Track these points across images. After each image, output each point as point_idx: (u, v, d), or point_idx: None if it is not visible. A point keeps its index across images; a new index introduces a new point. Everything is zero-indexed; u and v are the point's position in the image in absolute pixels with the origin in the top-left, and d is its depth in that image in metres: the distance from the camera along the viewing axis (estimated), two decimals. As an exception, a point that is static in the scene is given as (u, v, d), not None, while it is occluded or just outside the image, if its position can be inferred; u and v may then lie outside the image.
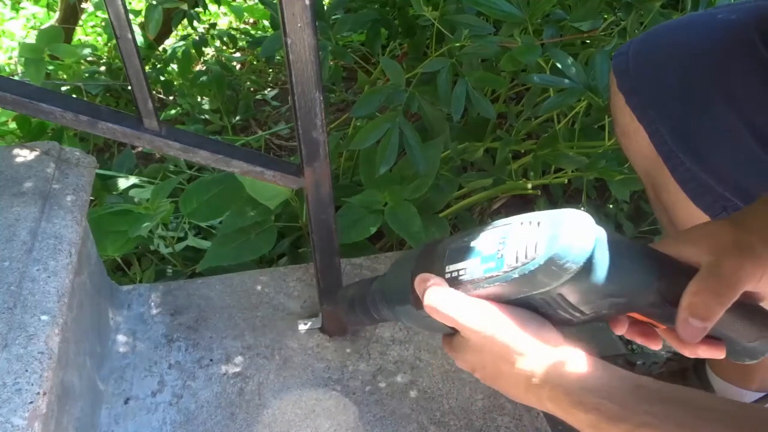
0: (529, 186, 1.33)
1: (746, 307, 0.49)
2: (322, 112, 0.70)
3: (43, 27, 2.61)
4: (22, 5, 2.97)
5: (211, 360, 0.93)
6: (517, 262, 0.48)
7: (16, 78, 2.12)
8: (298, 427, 0.85)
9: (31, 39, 2.48)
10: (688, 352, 0.50)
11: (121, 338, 0.96)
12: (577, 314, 0.49)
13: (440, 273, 0.54)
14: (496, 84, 1.15)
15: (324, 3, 1.51)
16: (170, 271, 1.34)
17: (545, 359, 0.47)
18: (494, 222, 0.53)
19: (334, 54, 1.19)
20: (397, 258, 0.64)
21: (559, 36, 1.14)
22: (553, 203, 1.50)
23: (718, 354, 0.50)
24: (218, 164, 0.76)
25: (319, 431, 0.84)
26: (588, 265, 0.46)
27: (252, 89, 2.28)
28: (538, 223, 0.49)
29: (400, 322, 0.65)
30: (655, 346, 0.53)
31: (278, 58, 2.19)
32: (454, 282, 0.52)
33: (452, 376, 0.92)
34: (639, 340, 0.53)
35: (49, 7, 2.95)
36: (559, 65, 1.01)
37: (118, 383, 0.89)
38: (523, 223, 0.50)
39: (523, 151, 1.37)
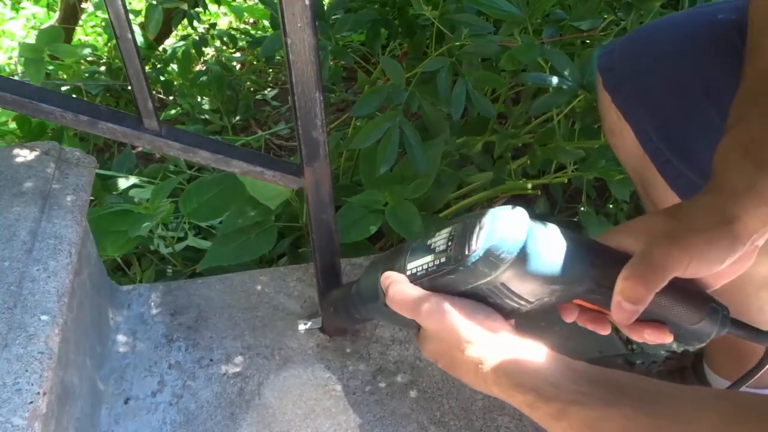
0: (529, 186, 1.33)
1: (685, 291, 0.52)
2: (322, 112, 0.70)
3: (43, 27, 2.61)
4: (22, 5, 2.97)
5: (211, 360, 0.93)
6: (461, 256, 0.53)
7: (16, 78, 2.12)
8: (298, 427, 0.85)
9: (31, 39, 2.48)
10: (636, 336, 0.54)
11: (121, 338, 0.96)
12: (523, 302, 0.54)
13: (403, 270, 0.59)
14: (496, 83, 1.15)
15: (324, 3, 1.51)
16: (170, 271, 1.34)
17: (490, 346, 0.52)
18: (450, 220, 0.58)
19: (334, 54, 1.19)
20: (373, 260, 0.69)
21: (559, 35, 1.14)
22: (553, 203, 1.50)
23: (663, 337, 0.53)
24: (218, 164, 0.76)
25: (319, 431, 0.84)
26: (522, 255, 0.50)
27: (252, 89, 2.28)
28: (480, 220, 0.54)
29: (375, 319, 0.70)
30: (604, 331, 0.57)
31: (278, 58, 2.19)
32: (414, 278, 0.57)
33: (452, 376, 0.92)
34: (589, 326, 0.57)
35: (49, 7, 2.95)
36: (554, 63, 1.02)
37: (118, 383, 0.89)
38: (469, 220, 0.55)
39: (521, 144, 1.37)
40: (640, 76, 0.76)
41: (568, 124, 1.23)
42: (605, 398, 0.46)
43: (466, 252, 0.53)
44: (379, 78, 1.50)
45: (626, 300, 0.50)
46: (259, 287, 1.04)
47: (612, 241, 0.54)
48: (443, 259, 0.55)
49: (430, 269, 0.56)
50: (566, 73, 1.01)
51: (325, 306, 0.80)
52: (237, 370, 0.91)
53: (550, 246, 0.52)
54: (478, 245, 0.52)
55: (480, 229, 0.53)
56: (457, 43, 1.08)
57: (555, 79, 1.01)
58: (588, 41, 1.25)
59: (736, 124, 0.56)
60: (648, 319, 0.53)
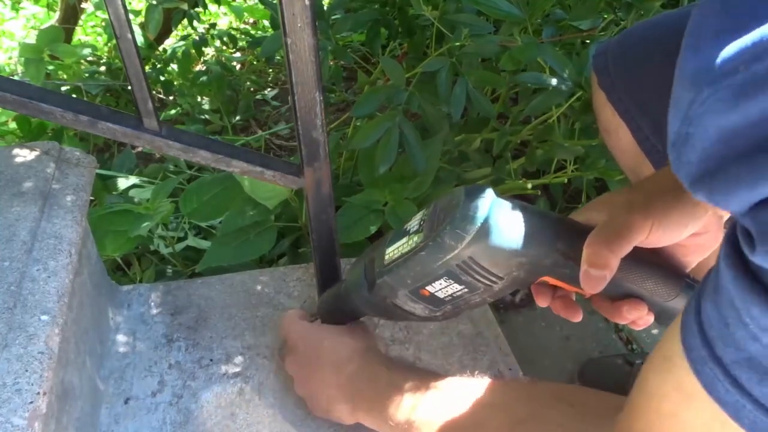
0: (529, 186, 1.33)
1: (658, 267, 0.54)
2: (322, 112, 0.70)
3: (43, 27, 2.61)
4: (22, 5, 2.97)
5: (211, 360, 0.93)
6: (431, 232, 0.56)
7: (16, 78, 2.12)
8: (299, 427, 0.85)
9: (31, 39, 2.48)
10: (617, 317, 0.55)
11: (121, 338, 0.96)
12: (493, 278, 0.56)
13: (382, 256, 0.63)
14: (496, 83, 1.15)
15: (324, 3, 1.51)
16: (170, 271, 1.34)
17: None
18: (426, 204, 0.62)
19: (334, 54, 1.19)
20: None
21: (559, 35, 1.14)
22: (553, 203, 1.50)
23: (641, 313, 0.54)
24: (218, 164, 0.76)
25: (320, 431, 0.84)
26: (485, 227, 0.53)
27: (252, 89, 2.28)
28: (448, 198, 0.57)
29: (363, 313, 0.74)
30: (575, 318, 0.58)
31: (278, 58, 2.19)
32: (390, 262, 0.61)
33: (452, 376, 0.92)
34: (563, 313, 0.59)
35: (49, 7, 2.95)
36: (548, 62, 1.02)
37: (118, 383, 0.89)
38: (439, 200, 0.59)
39: (520, 143, 1.37)
40: (634, 73, 0.76)
41: (569, 125, 1.23)
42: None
43: (435, 228, 0.56)
44: (379, 78, 1.50)
45: (591, 266, 0.50)
46: (259, 287, 1.04)
47: (580, 217, 0.56)
48: (416, 239, 0.58)
49: (404, 251, 0.59)
50: (562, 71, 1.01)
51: (318, 306, 0.83)
52: (237, 370, 0.91)
53: (513, 218, 0.54)
54: (446, 220, 0.55)
55: (447, 205, 0.56)
56: (457, 43, 1.08)
57: (553, 80, 1.01)
58: (588, 41, 1.25)
59: None
60: (624, 296, 0.54)
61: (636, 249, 0.51)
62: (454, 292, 0.59)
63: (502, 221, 0.53)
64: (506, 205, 0.55)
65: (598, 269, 0.50)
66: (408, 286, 0.61)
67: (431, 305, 0.63)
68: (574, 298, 0.59)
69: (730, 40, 0.26)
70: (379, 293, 0.64)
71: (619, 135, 0.78)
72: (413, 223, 0.61)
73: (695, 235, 0.53)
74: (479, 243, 0.53)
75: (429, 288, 0.60)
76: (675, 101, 0.31)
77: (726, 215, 0.54)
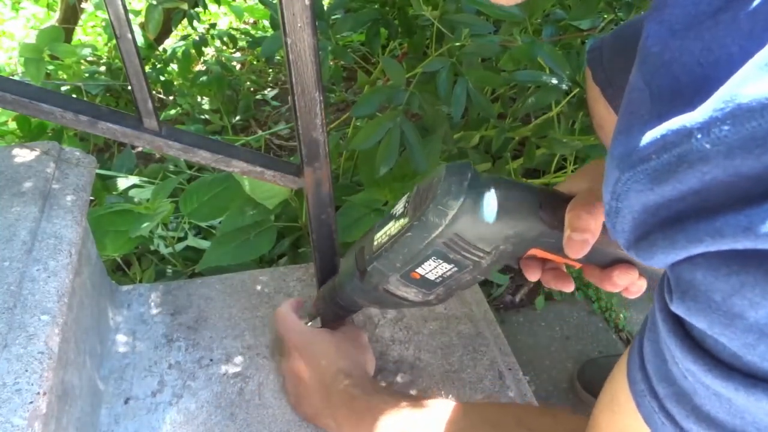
0: (529, 186, 1.32)
1: None
2: (322, 112, 0.70)
3: (43, 27, 2.61)
4: (22, 5, 2.97)
5: (211, 360, 0.93)
6: (416, 212, 0.56)
7: (16, 78, 2.12)
8: (298, 427, 0.85)
9: (31, 39, 2.48)
10: (610, 285, 0.55)
11: (121, 338, 0.96)
12: (480, 253, 0.56)
13: (371, 243, 0.63)
14: (496, 83, 1.15)
15: (324, 3, 1.51)
16: (170, 271, 1.34)
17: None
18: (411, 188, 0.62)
19: (334, 54, 1.19)
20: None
21: (559, 35, 1.14)
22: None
23: (633, 278, 0.54)
24: (218, 164, 0.76)
25: (319, 431, 0.84)
26: (468, 201, 0.53)
27: (252, 89, 2.28)
28: (431, 179, 0.57)
29: (358, 304, 0.74)
30: (568, 288, 0.59)
31: (278, 58, 2.19)
32: (379, 247, 0.62)
33: (452, 376, 0.92)
34: (553, 285, 0.59)
35: (49, 7, 2.95)
36: (545, 60, 1.02)
37: (118, 383, 0.89)
38: (422, 182, 0.59)
39: (518, 141, 1.37)
40: (628, 68, 0.76)
41: (568, 124, 1.23)
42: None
43: (419, 208, 0.56)
44: (379, 78, 1.50)
45: (573, 230, 0.51)
46: (259, 287, 1.04)
47: (563, 187, 0.56)
48: (402, 222, 0.58)
49: (391, 234, 0.60)
50: (559, 69, 1.01)
51: (315, 301, 0.84)
52: (237, 370, 0.91)
53: (495, 191, 0.54)
54: (429, 198, 0.55)
55: (429, 185, 0.57)
56: (457, 43, 1.08)
57: (552, 79, 1.01)
58: (588, 41, 1.25)
59: None
60: (614, 263, 0.54)
61: None
62: (444, 273, 0.60)
63: (485, 195, 0.54)
64: (487, 179, 0.56)
65: (580, 233, 0.50)
66: (398, 270, 0.62)
67: (423, 288, 0.63)
68: (564, 270, 0.60)
69: (650, 128, 0.29)
70: (371, 280, 0.65)
71: (613, 131, 0.78)
72: (398, 207, 0.61)
73: None
74: (463, 218, 0.53)
75: (419, 270, 0.60)
76: (606, 177, 0.33)
77: None
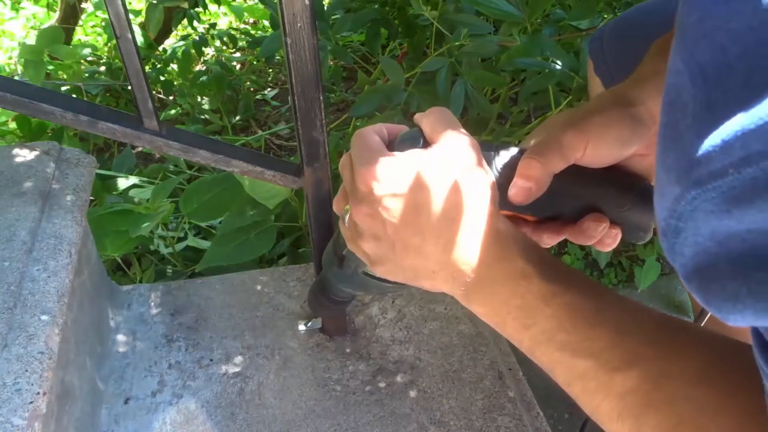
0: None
1: (608, 177, 0.52)
2: (322, 112, 0.70)
3: (43, 27, 2.61)
4: (22, 5, 2.97)
5: (211, 360, 0.93)
6: None
7: (16, 78, 2.12)
8: (298, 427, 0.85)
9: (31, 39, 2.48)
10: (584, 237, 0.52)
11: (121, 338, 0.96)
12: None
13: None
14: (496, 83, 1.15)
15: (324, 3, 1.51)
16: (170, 271, 1.34)
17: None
18: None
19: (334, 54, 1.19)
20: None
21: (558, 35, 1.14)
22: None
23: (602, 224, 0.51)
24: (218, 164, 0.77)
25: (319, 431, 0.84)
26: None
27: (252, 89, 2.28)
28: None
29: (341, 288, 0.71)
30: (545, 244, 0.54)
31: (278, 58, 2.19)
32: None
33: (452, 376, 0.92)
34: (535, 238, 0.54)
35: (49, 7, 2.95)
36: (543, 49, 1.02)
37: (118, 383, 0.89)
38: None
39: (517, 142, 1.37)
40: (631, 59, 0.76)
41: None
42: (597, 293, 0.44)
43: None
44: (379, 78, 1.50)
45: (521, 177, 0.49)
46: (259, 287, 1.04)
47: (526, 143, 0.54)
48: None
49: None
50: (559, 61, 1.01)
51: (308, 298, 0.83)
52: (237, 370, 0.91)
53: None
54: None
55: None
56: (457, 44, 1.08)
57: (549, 64, 1.01)
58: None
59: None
60: (583, 214, 0.52)
61: (581, 167, 0.50)
62: None
63: None
64: None
65: (525, 180, 0.49)
66: None
67: None
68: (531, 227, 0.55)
69: (704, 125, 0.23)
70: (350, 265, 0.64)
71: None
72: None
73: (640, 155, 0.51)
74: None
75: None
76: (660, 190, 0.27)
77: None
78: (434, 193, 0.46)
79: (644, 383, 0.39)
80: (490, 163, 0.52)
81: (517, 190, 0.50)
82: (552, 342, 0.43)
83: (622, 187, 0.52)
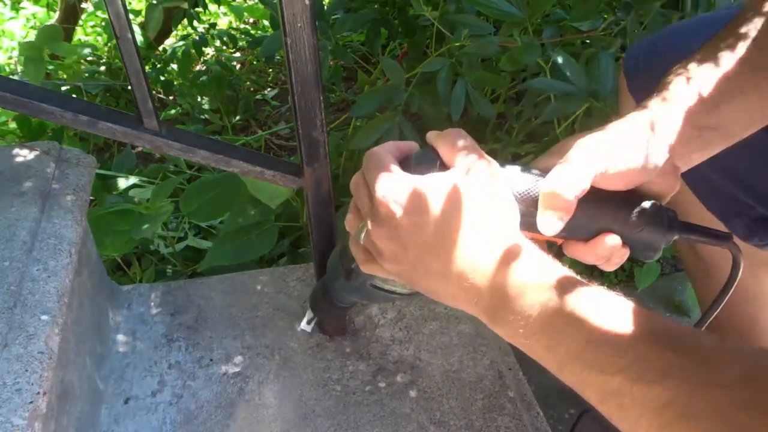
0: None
1: (622, 199, 0.52)
2: (322, 112, 0.70)
3: (42, 27, 2.61)
4: (22, 5, 2.97)
5: (211, 360, 0.93)
6: None
7: (16, 78, 2.12)
8: (298, 427, 0.85)
9: (31, 39, 2.48)
10: (593, 256, 0.51)
11: (121, 338, 0.96)
12: None
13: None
14: (496, 84, 1.15)
15: (324, 3, 1.51)
16: (170, 271, 1.34)
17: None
18: None
19: (334, 54, 1.19)
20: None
21: (559, 36, 1.14)
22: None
23: (616, 245, 0.51)
24: (218, 164, 0.77)
25: (319, 431, 0.84)
26: None
27: (252, 89, 2.28)
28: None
29: (348, 297, 0.72)
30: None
31: (278, 58, 2.19)
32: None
33: (452, 376, 0.92)
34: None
35: (49, 7, 2.95)
36: (564, 69, 1.01)
37: (118, 383, 0.89)
38: None
39: (523, 154, 1.37)
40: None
41: (570, 127, 1.23)
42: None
43: None
44: (379, 78, 1.50)
45: (548, 208, 0.49)
46: (259, 287, 1.04)
47: (539, 165, 0.54)
48: None
49: None
50: (574, 78, 1.00)
51: (310, 304, 0.83)
52: (237, 370, 0.91)
53: None
54: None
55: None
56: (457, 44, 1.08)
57: (569, 86, 1.00)
58: (588, 41, 1.25)
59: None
60: (594, 234, 0.52)
61: (598, 189, 0.50)
62: None
63: None
64: None
65: (554, 210, 0.49)
66: None
67: None
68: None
69: None
70: (358, 278, 0.64)
71: None
72: None
73: (651, 183, 0.52)
74: None
75: None
76: None
77: (684, 166, 0.53)
78: (457, 219, 0.46)
79: (682, 394, 0.38)
80: (509, 185, 0.52)
81: (546, 222, 0.49)
82: (579, 361, 0.42)
83: (637, 209, 0.52)
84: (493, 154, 0.53)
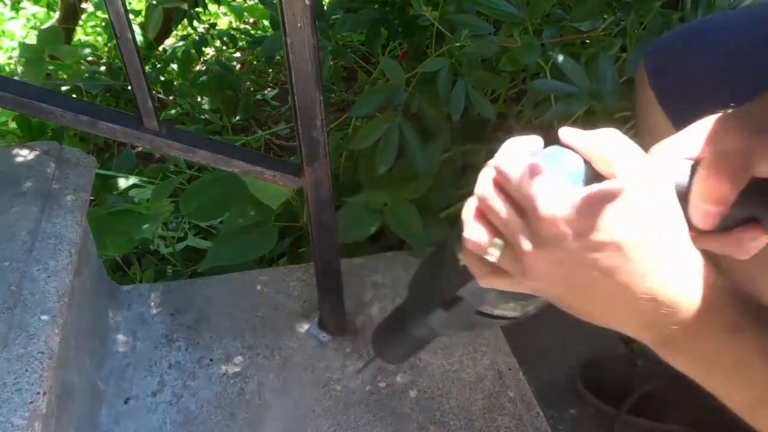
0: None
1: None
2: (322, 112, 0.70)
3: (43, 27, 2.61)
4: (22, 5, 2.97)
5: (211, 360, 0.93)
6: None
7: (16, 78, 2.12)
8: (298, 427, 0.85)
9: (31, 39, 2.48)
10: (732, 247, 0.45)
11: (121, 338, 0.96)
12: None
13: (456, 262, 0.52)
14: (496, 84, 1.15)
15: (324, 3, 1.51)
16: (170, 271, 1.34)
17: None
18: None
19: (334, 54, 1.19)
20: (412, 276, 0.63)
21: (559, 36, 1.13)
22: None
23: (762, 236, 0.45)
24: (218, 164, 0.76)
25: (319, 431, 0.84)
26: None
27: (252, 89, 2.28)
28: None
29: (438, 334, 0.64)
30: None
31: (278, 58, 2.18)
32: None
33: (452, 376, 0.92)
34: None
35: (49, 7, 2.95)
36: (564, 71, 1.00)
37: (118, 383, 0.89)
38: None
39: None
40: (697, 80, 0.71)
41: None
42: None
43: None
44: (379, 78, 1.50)
45: (706, 201, 0.42)
46: (259, 287, 1.04)
47: (667, 151, 0.47)
48: None
49: None
50: (575, 79, 0.99)
51: (379, 347, 0.71)
52: (237, 370, 0.91)
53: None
54: None
55: None
56: (457, 44, 1.08)
57: (571, 87, 0.99)
58: (588, 41, 1.25)
59: None
60: (739, 224, 0.45)
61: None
62: None
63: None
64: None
65: (714, 205, 0.42)
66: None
67: (522, 300, 0.54)
68: None
69: None
70: (462, 307, 0.57)
71: (663, 137, 0.74)
72: None
73: None
74: None
75: None
76: None
77: None
78: (642, 240, 0.41)
79: None
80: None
81: (704, 216, 0.43)
82: None
83: None
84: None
